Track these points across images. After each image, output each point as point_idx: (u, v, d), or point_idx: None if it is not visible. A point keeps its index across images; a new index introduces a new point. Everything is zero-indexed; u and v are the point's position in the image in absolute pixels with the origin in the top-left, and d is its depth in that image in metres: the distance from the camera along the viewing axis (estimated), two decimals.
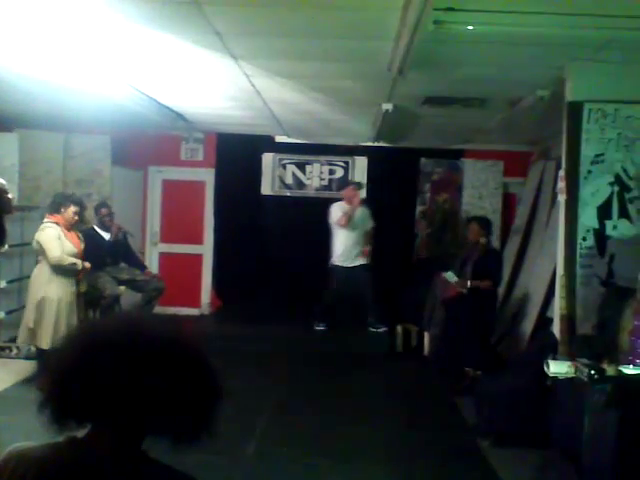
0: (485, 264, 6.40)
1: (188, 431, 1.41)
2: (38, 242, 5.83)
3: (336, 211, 8.26)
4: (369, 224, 8.50)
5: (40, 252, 5.85)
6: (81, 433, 1.40)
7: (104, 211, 7.25)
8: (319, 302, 8.35)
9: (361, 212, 8.31)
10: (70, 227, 6.00)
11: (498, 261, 6.81)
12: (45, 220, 5.94)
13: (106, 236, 7.17)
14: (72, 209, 5.93)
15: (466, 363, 6.08)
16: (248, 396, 5.50)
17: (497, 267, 6.67)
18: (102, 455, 1.36)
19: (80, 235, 6.21)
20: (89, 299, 6.39)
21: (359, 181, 8.70)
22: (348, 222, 8.13)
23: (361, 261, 8.31)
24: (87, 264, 6.01)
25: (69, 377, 1.38)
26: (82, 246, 6.12)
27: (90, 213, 7.33)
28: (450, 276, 6.51)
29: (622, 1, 3.53)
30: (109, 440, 1.37)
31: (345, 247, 8.26)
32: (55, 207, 5.96)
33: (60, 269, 5.79)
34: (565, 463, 4.05)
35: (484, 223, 6.73)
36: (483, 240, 6.55)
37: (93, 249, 6.39)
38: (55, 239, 5.77)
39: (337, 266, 8.31)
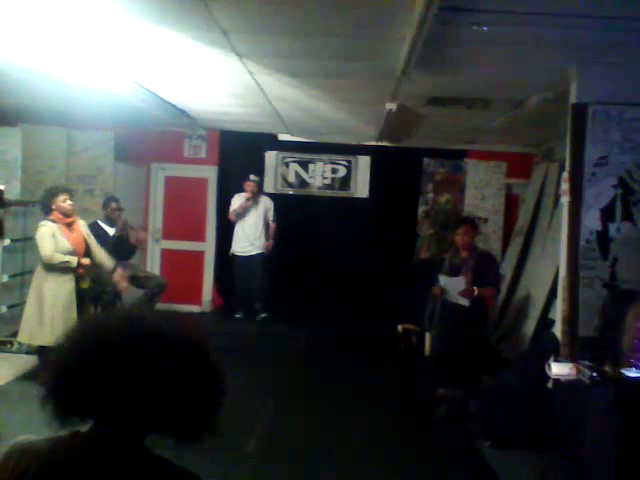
0: (485, 270, 5.92)
1: (191, 428, 1.41)
2: (35, 240, 5.83)
3: (234, 202, 8.85)
4: (270, 216, 8.93)
5: (38, 250, 5.86)
6: (84, 428, 1.40)
7: (114, 205, 7.22)
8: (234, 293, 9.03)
9: (262, 204, 8.89)
10: (70, 216, 5.93)
11: (496, 265, 6.51)
12: (43, 219, 5.91)
13: (110, 231, 7.15)
14: (60, 198, 5.87)
15: (467, 364, 6.04)
16: (248, 394, 5.50)
17: (497, 272, 6.39)
18: (104, 450, 1.36)
19: (87, 231, 6.16)
20: (91, 294, 6.37)
21: (256, 177, 8.89)
22: (236, 218, 8.79)
23: (259, 250, 8.82)
24: (85, 260, 5.95)
25: (71, 373, 1.38)
26: (91, 239, 6.09)
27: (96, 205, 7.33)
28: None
29: (628, 2, 3.52)
30: (111, 436, 1.37)
31: (243, 236, 8.81)
32: (46, 207, 5.92)
33: (52, 267, 5.77)
34: (566, 465, 4.04)
35: (475, 224, 6.40)
36: (476, 243, 6.24)
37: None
38: (48, 237, 5.73)
39: (235, 255, 8.85)
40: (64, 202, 5.86)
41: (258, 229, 8.83)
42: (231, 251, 8.87)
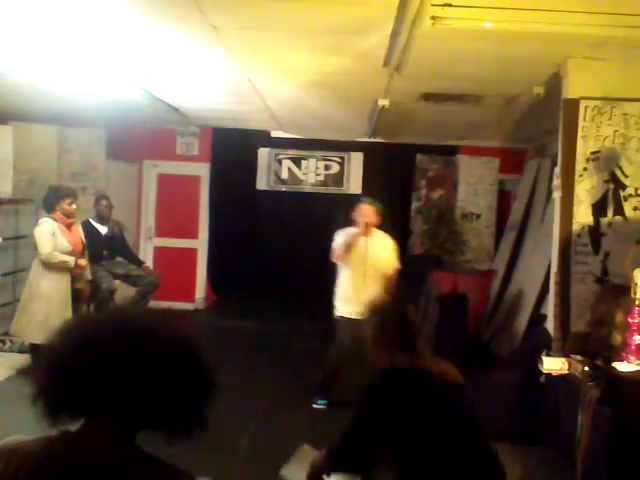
0: None
1: (181, 425, 1.41)
2: (34, 237, 5.84)
3: (339, 238, 5.74)
4: (391, 262, 5.85)
5: (35, 247, 5.86)
6: (74, 427, 1.40)
7: (104, 203, 7.24)
8: (320, 371, 5.89)
9: (379, 243, 5.83)
10: (71, 218, 5.99)
11: None
12: (44, 216, 5.95)
13: (103, 230, 7.15)
14: (66, 201, 5.93)
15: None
16: (243, 392, 5.50)
17: None
18: (95, 449, 1.35)
19: (82, 234, 6.19)
20: (85, 294, 6.38)
21: (370, 200, 5.91)
22: (346, 254, 5.64)
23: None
24: (82, 261, 5.98)
25: (63, 371, 1.37)
26: (84, 241, 6.13)
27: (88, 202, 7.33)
28: None
29: None
30: (102, 434, 1.37)
31: (352, 291, 5.67)
32: (49, 205, 5.94)
33: (50, 265, 5.77)
34: (558, 460, 4.06)
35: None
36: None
37: (89, 242, 6.37)
38: (48, 235, 5.74)
39: (342, 318, 5.72)
40: (69, 205, 5.93)
41: (377, 282, 5.64)
42: (336, 313, 5.80)
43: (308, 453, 2.90)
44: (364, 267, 5.64)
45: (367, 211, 5.67)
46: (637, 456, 3.38)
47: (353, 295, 5.57)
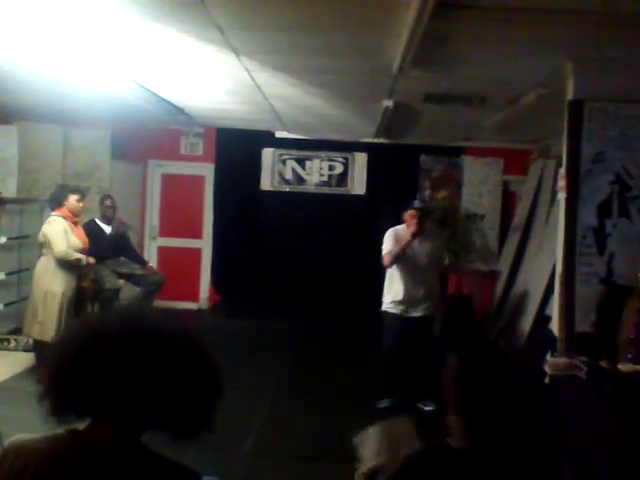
0: None
1: (187, 426, 1.42)
2: (45, 235, 5.84)
3: (388, 241, 5.81)
4: (441, 257, 6.03)
5: (46, 245, 5.86)
6: (81, 425, 1.40)
7: (108, 202, 7.26)
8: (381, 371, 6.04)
9: (429, 241, 5.89)
10: (77, 217, 6.04)
11: None
12: (52, 214, 5.97)
13: (107, 229, 7.17)
14: (74, 197, 5.97)
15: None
16: (246, 392, 5.51)
17: None
18: (102, 448, 1.36)
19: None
20: (90, 293, 6.40)
21: (421, 204, 6.17)
22: (394, 262, 5.73)
23: (426, 310, 5.83)
24: (91, 259, 6.05)
25: (69, 370, 1.38)
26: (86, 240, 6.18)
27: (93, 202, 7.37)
28: None
29: None
30: (109, 433, 1.37)
31: (402, 287, 5.76)
32: (57, 201, 5.98)
33: (64, 263, 5.80)
34: (562, 462, 4.05)
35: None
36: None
37: (94, 242, 6.40)
38: (61, 233, 5.78)
39: (389, 313, 5.84)
40: (78, 202, 5.97)
41: (427, 277, 5.84)
42: (383, 307, 5.90)
43: (385, 430, 2.67)
44: (415, 269, 5.77)
45: (416, 216, 5.76)
46: None
47: (404, 297, 5.74)
